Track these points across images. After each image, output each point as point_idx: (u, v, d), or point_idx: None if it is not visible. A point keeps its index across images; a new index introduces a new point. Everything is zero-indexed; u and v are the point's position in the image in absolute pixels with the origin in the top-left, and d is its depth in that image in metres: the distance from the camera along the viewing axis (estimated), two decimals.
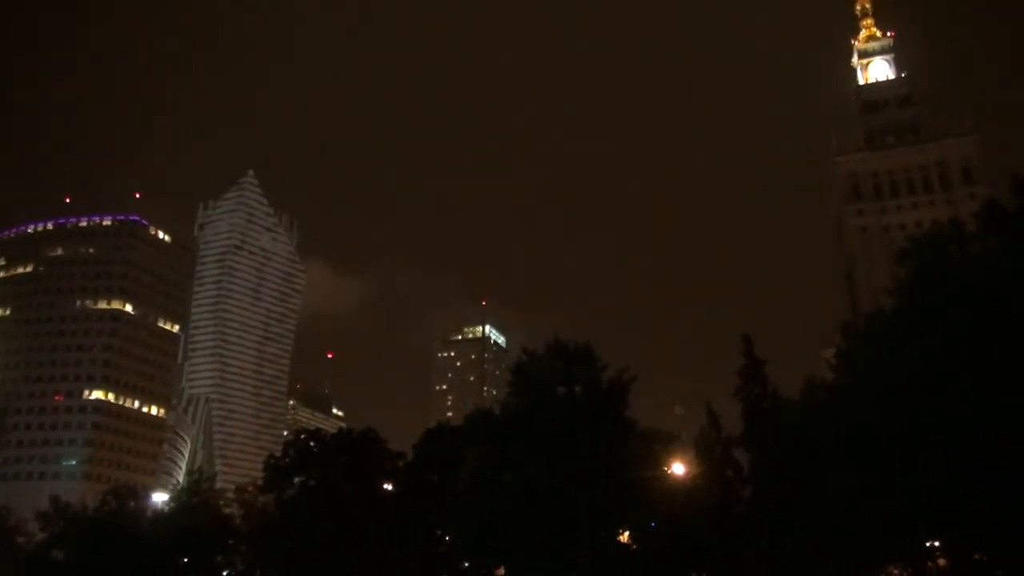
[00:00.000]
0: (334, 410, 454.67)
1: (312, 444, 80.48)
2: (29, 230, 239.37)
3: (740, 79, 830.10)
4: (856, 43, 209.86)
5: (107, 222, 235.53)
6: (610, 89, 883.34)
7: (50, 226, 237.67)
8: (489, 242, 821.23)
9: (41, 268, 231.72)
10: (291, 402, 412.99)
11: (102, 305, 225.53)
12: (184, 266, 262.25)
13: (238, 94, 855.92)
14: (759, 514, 56.73)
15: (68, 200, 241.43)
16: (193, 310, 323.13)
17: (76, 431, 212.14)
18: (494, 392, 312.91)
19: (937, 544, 47.80)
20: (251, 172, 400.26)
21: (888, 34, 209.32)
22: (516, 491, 48.74)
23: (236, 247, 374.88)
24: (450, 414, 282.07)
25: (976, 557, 43.13)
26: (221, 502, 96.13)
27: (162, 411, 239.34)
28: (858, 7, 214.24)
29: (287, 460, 79.35)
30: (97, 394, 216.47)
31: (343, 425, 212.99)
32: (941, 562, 49.50)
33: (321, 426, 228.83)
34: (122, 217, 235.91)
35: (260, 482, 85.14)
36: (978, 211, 41.04)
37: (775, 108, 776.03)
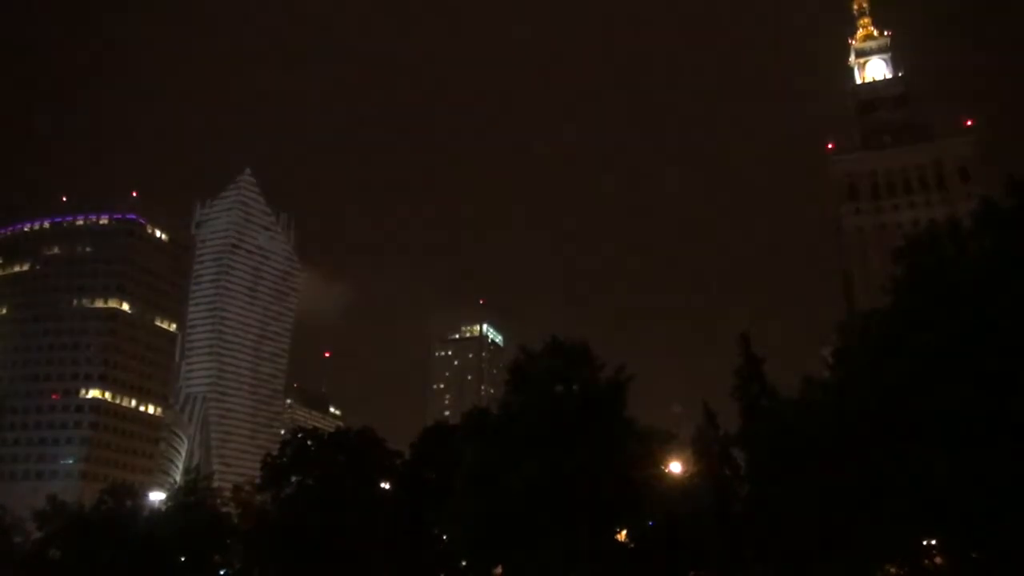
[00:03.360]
0: (331, 409, 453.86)
1: (309, 443, 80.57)
2: (26, 229, 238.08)
3: (737, 78, 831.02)
4: (853, 42, 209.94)
5: (104, 221, 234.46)
6: (606, 86, 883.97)
7: (47, 225, 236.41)
8: (487, 241, 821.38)
9: (38, 267, 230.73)
10: (288, 401, 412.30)
11: (99, 304, 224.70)
12: (181, 265, 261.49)
13: (235, 92, 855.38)
14: (757, 513, 56.78)
15: (65, 199, 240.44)
16: (190, 309, 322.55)
17: (73, 430, 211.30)
18: (492, 391, 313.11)
19: (934, 543, 47.87)
20: (248, 171, 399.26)
21: (885, 33, 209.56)
22: (514, 490, 48.77)
23: (233, 246, 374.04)
24: (448, 413, 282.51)
25: (974, 556, 43.20)
26: (218, 501, 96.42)
27: (159, 410, 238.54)
28: (855, 6, 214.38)
29: (284, 459, 79.40)
30: (94, 393, 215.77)
31: (341, 424, 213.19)
32: (938, 560, 49.58)
33: (318, 425, 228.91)
34: (119, 216, 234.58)
35: (257, 481, 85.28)
36: (974, 210, 41.05)
37: (772, 108, 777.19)
